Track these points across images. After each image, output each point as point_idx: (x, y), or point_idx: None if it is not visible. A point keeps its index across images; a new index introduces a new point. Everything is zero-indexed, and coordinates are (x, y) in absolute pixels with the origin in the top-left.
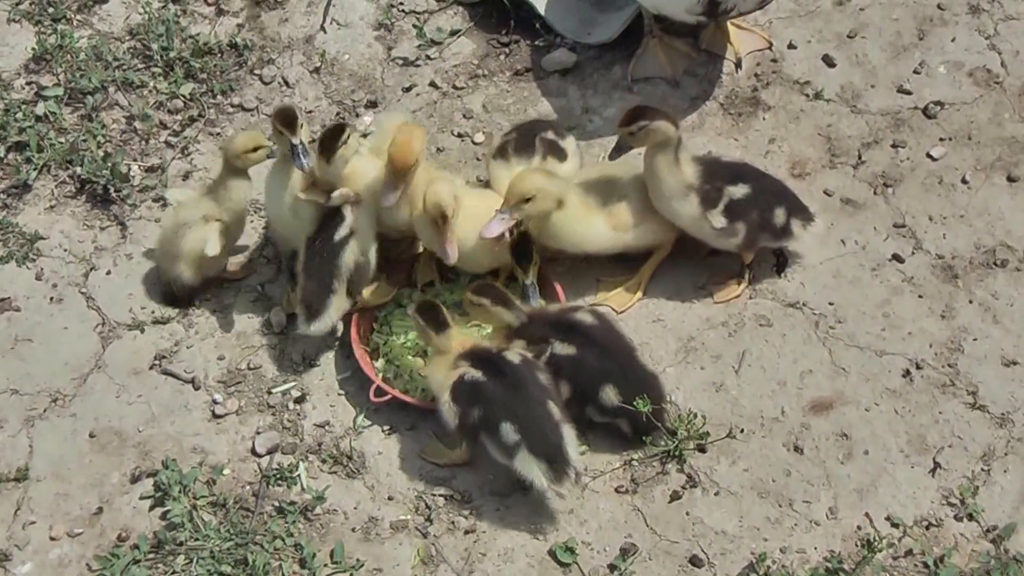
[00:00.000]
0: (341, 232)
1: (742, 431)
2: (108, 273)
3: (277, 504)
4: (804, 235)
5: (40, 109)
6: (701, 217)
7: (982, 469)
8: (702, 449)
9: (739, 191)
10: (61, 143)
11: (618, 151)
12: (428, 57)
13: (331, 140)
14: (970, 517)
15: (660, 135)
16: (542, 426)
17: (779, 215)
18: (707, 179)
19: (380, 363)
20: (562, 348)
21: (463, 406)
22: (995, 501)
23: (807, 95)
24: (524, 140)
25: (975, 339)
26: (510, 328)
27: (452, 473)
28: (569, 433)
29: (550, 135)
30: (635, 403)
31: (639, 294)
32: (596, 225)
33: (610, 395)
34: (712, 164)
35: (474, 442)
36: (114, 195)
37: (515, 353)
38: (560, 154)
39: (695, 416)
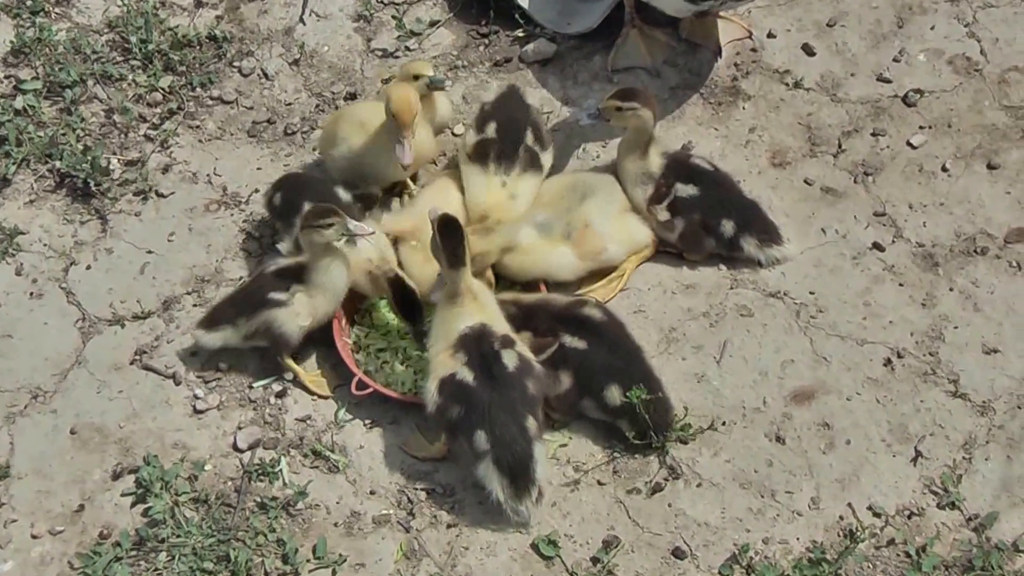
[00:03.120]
0: (281, 295)
1: (723, 423)
2: (88, 268)
3: (259, 500)
4: (761, 256)
5: (19, 103)
6: (647, 208)
7: (964, 457)
8: (684, 441)
9: (687, 191)
10: (40, 137)
11: (595, 117)
12: (408, 48)
13: (313, 217)
14: (952, 506)
15: (643, 122)
16: (513, 443)
17: (726, 226)
18: (665, 175)
19: (361, 356)
20: (572, 342)
21: (446, 400)
22: (977, 489)
23: (787, 84)
24: (507, 147)
25: (956, 327)
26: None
27: (434, 467)
28: (540, 451)
29: (532, 143)
30: (631, 394)
31: (620, 285)
32: (561, 255)
33: (615, 394)
34: (677, 161)
35: (450, 436)
36: (94, 189)
37: (514, 355)
38: (537, 167)
39: (678, 409)
